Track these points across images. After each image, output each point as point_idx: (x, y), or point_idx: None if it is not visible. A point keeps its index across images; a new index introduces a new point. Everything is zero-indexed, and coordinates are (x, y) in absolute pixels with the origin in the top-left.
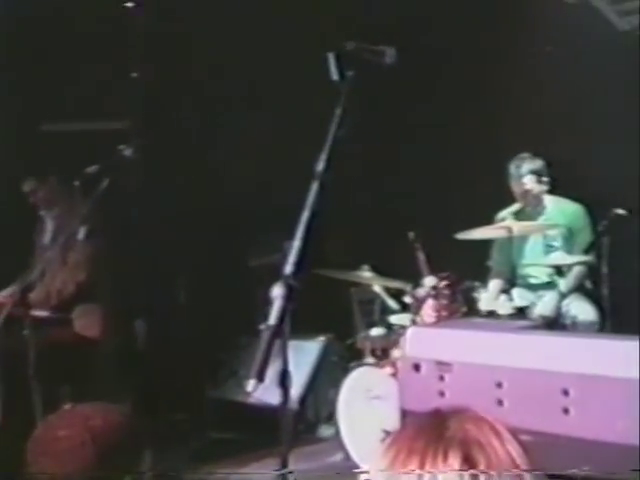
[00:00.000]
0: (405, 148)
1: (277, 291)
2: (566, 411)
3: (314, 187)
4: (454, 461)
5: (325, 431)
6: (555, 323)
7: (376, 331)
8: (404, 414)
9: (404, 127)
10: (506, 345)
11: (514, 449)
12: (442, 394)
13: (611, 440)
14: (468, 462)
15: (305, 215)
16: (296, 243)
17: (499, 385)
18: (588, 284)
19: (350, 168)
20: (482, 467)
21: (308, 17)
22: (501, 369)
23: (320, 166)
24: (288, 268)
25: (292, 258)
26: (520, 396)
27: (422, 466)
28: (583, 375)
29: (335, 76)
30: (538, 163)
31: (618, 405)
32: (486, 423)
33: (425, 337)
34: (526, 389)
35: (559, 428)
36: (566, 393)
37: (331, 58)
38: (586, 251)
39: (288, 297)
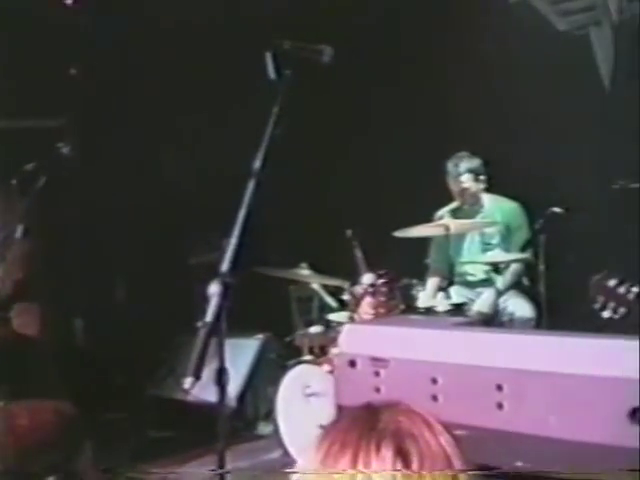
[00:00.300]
0: (343, 146)
1: (213, 289)
2: (500, 406)
3: (251, 185)
4: (387, 453)
5: (264, 428)
6: (493, 320)
7: (314, 329)
8: (340, 410)
9: (343, 125)
10: (441, 341)
11: (446, 441)
12: (378, 390)
13: (544, 434)
14: (401, 454)
15: (241, 213)
16: (232, 241)
17: (434, 381)
18: (525, 281)
19: (289, 166)
20: (414, 458)
21: (245, 16)
22: (436, 365)
23: (257, 164)
24: (224, 266)
25: (228, 256)
26: (455, 391)
27: (355, 458)
28: (517, 370)
29: (272, 75)
30: (476, 162)
31: (551, 400)
32: (418, 416)
33: (361, 334)
34: (461, 385)
35: (493, 423)
36: (500, 388)
37: (268, 57)
38: (523, 249)
39: (224, 295)
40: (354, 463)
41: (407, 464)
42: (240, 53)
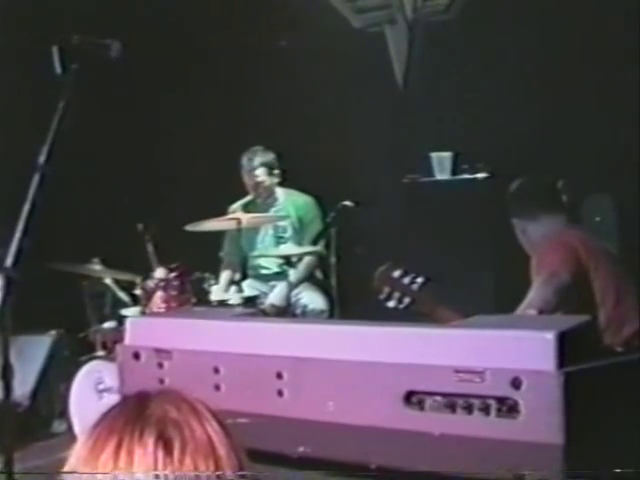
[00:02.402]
0: (134, 140)
1: None
2: (280, 393)
3: (35, 180)
4: (149, 439)
5: (59, 426)
6: (286, 312)
7: (108, 324)
8: None
9: (133, 119)
10: (222, 332)
11: (213, 429)
12: (162, 381)
13: (324, 419)
14: (162, 439)
15: (25, 207)
16: (16, 235)
17: (216, 370)
18: (319, 274)
19: (80, 160)
20: (176, 445)
21: (33, 9)
22: (218, 355)
23: (42, 159)
24: (8, 260)
25: (12, 250)
26: (236, 380)
27: (120, 443)
28: (296, 358)
29: (59, 69)
30: (270, 156)
31: (330, 386)
32: (186, 403)
33: (144, 326)
34: (242, 374)
35: (274, 410)
36: (280, 376)
37: (55, 51)
38: (315, 242)
39: (7, 289)
40: (118, 449)
41: (169, 450)
42: (27, 46)
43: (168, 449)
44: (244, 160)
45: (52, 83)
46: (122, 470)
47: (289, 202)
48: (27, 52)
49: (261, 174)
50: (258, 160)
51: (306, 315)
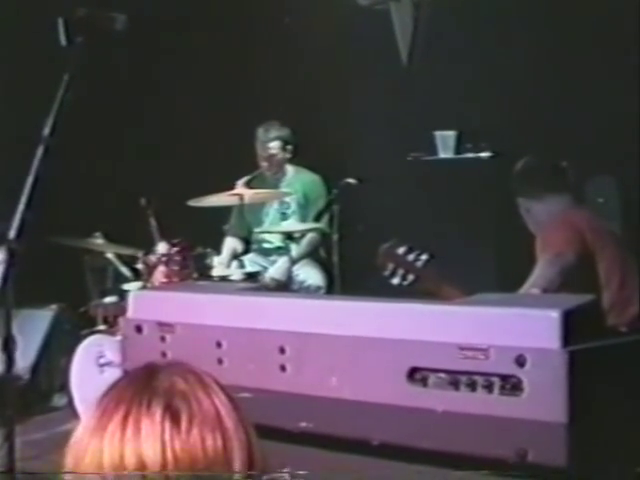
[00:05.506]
0: (138, 114)
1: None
2: (283, 368)
3: (39, 152)
4: (156, 409)
5: (59, 400)
6: (285, 287)
7: (109, 299)
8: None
9: (139, 92)
10: (225, 306)
11: (220, 402)
12: (164, 355)
13: (326, 395)
14: (170, 411)
15: (29, 180)
16: (20, 208)
17: (219, 345)
18: (322, 252)
19: (81, 134)
20: (184, 416)
21: None
22: (221, 329)
23: (46, 131)
24: (11, 233)
25: (15, 223)
26: (239, 355)
27: (128, 414)
28: (299, 333)
29: (64, 41)
30: (286, 130)
31: (333, 361)
32: (194, 375)
33: (147, 299)
34: (244, 348)
35: (277, 385)
36: (282, 351)
37: (60, 23)
38: (317, 219)
39: (10, 261)
40: (126, 419)
41: (176, 421)
42: (32, 19)
43: (175, 420)
44: (260, 132)
45: (57, 55)
46: (129, 441)
47: (297, 179)
48: (32, 24)
49: (275, 147)
50: (274, 133)
51: (303, 291)
